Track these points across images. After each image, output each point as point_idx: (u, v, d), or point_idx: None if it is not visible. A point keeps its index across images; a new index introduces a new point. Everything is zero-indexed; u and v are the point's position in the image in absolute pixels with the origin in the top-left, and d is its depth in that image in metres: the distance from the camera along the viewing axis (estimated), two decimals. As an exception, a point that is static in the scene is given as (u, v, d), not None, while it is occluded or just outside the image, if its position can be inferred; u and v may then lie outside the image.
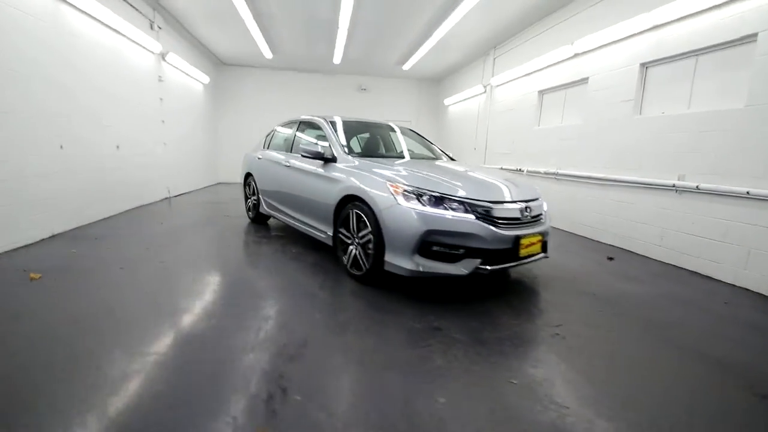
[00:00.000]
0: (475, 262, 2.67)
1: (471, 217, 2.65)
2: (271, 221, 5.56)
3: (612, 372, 1.99)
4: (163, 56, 6.81)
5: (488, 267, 2.69)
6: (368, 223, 2.92)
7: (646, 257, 4.31)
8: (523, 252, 2.80)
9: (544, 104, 6.53)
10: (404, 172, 2.99)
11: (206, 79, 9.17)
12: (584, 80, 5.44)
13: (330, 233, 3.47)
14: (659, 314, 2.78)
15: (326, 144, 3.85)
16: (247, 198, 5.54)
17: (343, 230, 3.25)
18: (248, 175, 5.44)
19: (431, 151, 4.48)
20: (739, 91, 3.47)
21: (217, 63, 10.34)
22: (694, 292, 3.26)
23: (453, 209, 2.67)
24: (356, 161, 3.39)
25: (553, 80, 6.15)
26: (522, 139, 7.00)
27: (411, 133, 4.68)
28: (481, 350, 2.12)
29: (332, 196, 3.36)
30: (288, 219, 4.33)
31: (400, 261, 2.70)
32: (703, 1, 3.69)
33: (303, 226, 3.98)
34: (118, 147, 5.45)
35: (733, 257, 3.45)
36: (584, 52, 5.38)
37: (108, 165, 5.22)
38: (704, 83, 3.84)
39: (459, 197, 2.70)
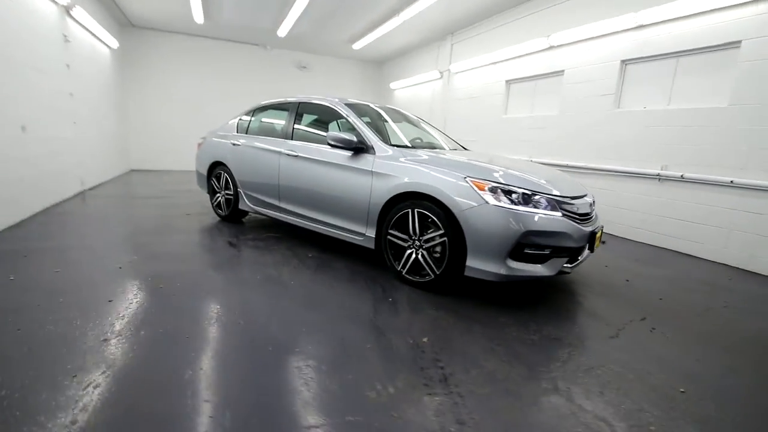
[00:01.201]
0: (561, 262, 2.56)
1: (558, 214, 2.52)
2: (248, 218, 4.75)
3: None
4: (68, 10, 5.19)
5: (569, 265, 2.61)
6: (440, 225, 2.59)
7: (628, 239, 4.77)
8: (595, 247, 2.78)
9: (512, 93, 6.73)
10: (475, 166, 2.71)
11: (114, 43, 7.37)
12: (560, 72, 5.69)
13: (370, 234, 3.03)
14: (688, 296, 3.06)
15: (341, 131, 3.34)
16: (215, 192, 4.61)
17: (395, 232, 2.85)
18: (216, 165, 4.53)
19: (438, 138, 4.19)
20: (722, 91, 3.94)
21: (125, 24, 8.40)
22: (698, 271, 3.69)
23: (543, 207, 2.50)
24: (402, 153, 2.98)
25: (523, 71, 6.34)
26: (488, 127, 7.15)
27: (413, 118, 4.29)
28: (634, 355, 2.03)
29: (379, 193, 2.91)
30: (291, 218, 3.69)
31: (487, 266, 2.45)
32: (689, 7, 4.07)
33: (320, 226, 3.43)
34: (23, 128, 4.02)
35: (714, 238, 3.99)
36: (560, 46, 5.61)
37: (11, 153, 3.82)
38: (685, 82, 4.28)
39: (549, 194, 2.54)
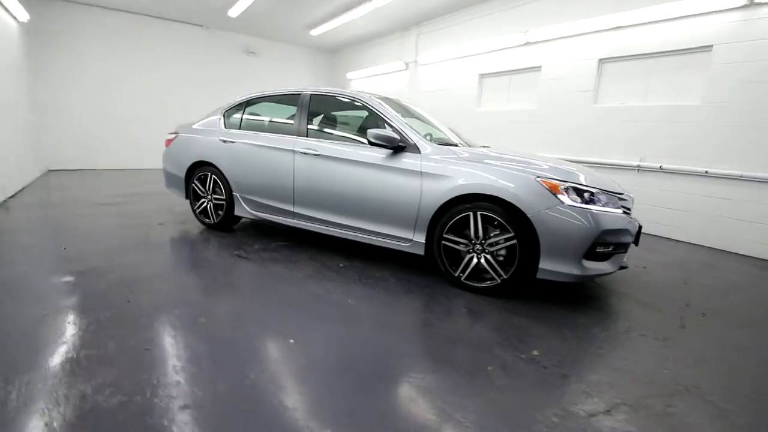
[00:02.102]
0: (622, 257, 2.63)
1: (620, 211, 2.57)
2: (239, 224, 4.18)
3: None
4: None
5: (625, 260, 2.71)
6: (508, 227, 2.49)
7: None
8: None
9: (485, 87, 6.86)
10: (535, 164, 2.64)
11: (24, 15, 5.95)
12: (537, 68, 5.91)
13: (419, 240, 2.82)
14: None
15: (368, 126, 3.06)
16: (199, 197, 3.98)
17: (451, 236, 2.69)
18: (199, 166, 3.90)
19: (449, 133, 4.02)
20: (695, 90, 4.39)
21: (30, -9, 6.83)
22: (692, 254, 4.10)
23: (610, 205, 2.52)
24: (445, 151, 2.81)
25: (497, 65, 6.47)
26: (460, 120, 7.21)
27: (419, 112, 3.92)
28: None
29: (431, 195, 2.70)
30: (310, 224, 3.32)
31: (563, 267, 2.41)
32: (666, 12, 4.44)
33: (351, 233, 3.12)
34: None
35: (694, 223, 4.48)
36: (538, 42, 5.82)
37: None
38: (661, 81, 4.69)
39: (612, 192, 2.57)
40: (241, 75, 9.51)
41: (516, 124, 6.26)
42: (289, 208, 3.39)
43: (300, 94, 3.50)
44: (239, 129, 3.77)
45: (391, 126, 3.00)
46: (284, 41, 9.88)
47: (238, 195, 3.68)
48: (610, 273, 2.56)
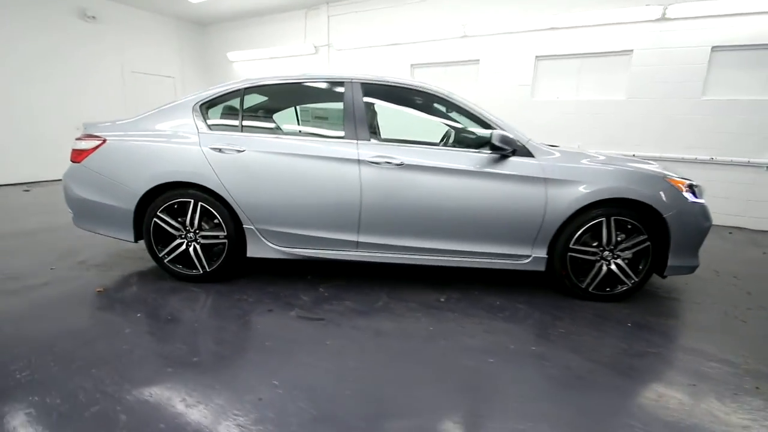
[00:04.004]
0: None
1: None
2: (244, 274, 2.87)
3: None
4: None
5: None
6: (643, 229, 2.42)
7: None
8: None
9: (418, 78, 6.68)
10: (644, 162, 2.62)
11: None
12: (475, 61, 6.06)
13: (539, 255, 2.50)
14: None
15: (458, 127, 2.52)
16: (168, 238, 2.55)
17: (578, 246, 2.45)
18: (167, 189, 2.50)
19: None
20: (621, 87, 5.23)
21: None
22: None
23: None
24: (558, 152, 2.53)
25: (432, 55, 6.36)
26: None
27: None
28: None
29: (559, 204, 2.39)
30: (383, 254, 2.53)
31: (686, 261, 2.50)
32: (593, 18, 5.11)
33: (448, 258, 2.52)
34: None
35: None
36: (476, 36, 5.94)
37: None
38: (591, 78, 5.42)
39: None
40: (73, 48, 6.69)
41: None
42: (351, 237, 2.50)
43: (344, 82, 2.58)
44: (239, 131, 2.55)
45: (493, 125, 2.52)
46: (138, 6, 7.39)
47: (254, 228, 2.51)
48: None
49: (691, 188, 2.51)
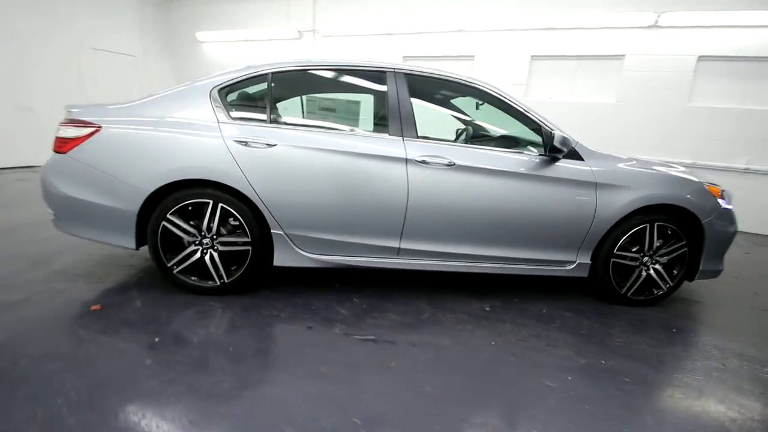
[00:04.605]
0: None
1: None
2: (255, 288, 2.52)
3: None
4: None
5: None
6: (682, 235, 2.43)
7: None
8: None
9: (408, 71, 6.48)
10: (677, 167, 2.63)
11: None
12: (470, 57, 5.96)
13: (584, 261, 2.44)
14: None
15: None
16: (179, 246, 2.19)
17: (621, 252, 2.42)
18: (180, 188, 2.13)
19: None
20: (611, 90, 5.37)
21: None
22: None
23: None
24: (605, 155, 2.48)
25: (426, 48, 6.18)
26: (380, 104, 6.65)
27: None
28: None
29: (609, 208, 2.34)
30: (426, 261, 2.35)
31: (714, 265, 2.56)
32: (589, 21, 5.19)
33: (491, 264, 2.39)
34: None
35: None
36: (472, 31, 5.83)
37: None
38: (583, 80, 5.52)
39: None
40: (15, 19, 5.73)
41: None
42: (393, 243, 2.29)
43: (385, 72, 2.33)
44: (267, 122, 2.23)
45: (547, 126, 2.42)
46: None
47: (284, 233, 2.21)
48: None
49: (723, 195, 2.57)
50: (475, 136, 3.07)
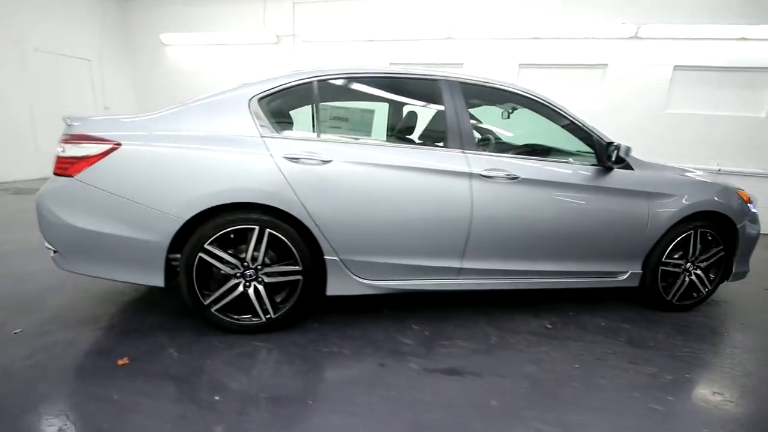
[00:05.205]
0: None
1: None
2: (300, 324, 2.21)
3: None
4: None
5: None
6: (720, 240, 2.50)
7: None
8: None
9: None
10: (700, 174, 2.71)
11: None
12: (458, 64, 5.95)
13: (636, 270, 2.44)
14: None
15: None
16: (220, 279, 1.88)
17: (668, 260, 2.45)
18: (218, 213, 1.82)
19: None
20: (597, 96, 5.59)
21: None
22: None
23: None
24: (651, 165, 2.50)
25: (414, 56, 6.08)
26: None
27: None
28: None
29: (659, 217, 2.36)
30: (486, 281, 2.21)
31: (744, 267, 2.67)
32: (573, 31, 5.38)
33: (547, 279, 2.32)
34: None
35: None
36: (461, 38, 5.84)
37: None
38: (571, 87, 5.70)
39: None
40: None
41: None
42: (454, 263, 2.13)
43: (439, 80, 2.17)
44: (315, 135, 1.98)
45: (595, 135, 2.38)
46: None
47: (339, 259, 1.97)
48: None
49: (750, 199, 2.69)
50: (501, 145, 2.97)
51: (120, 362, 1.70)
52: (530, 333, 2.20)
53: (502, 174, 2.09)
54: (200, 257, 1.84)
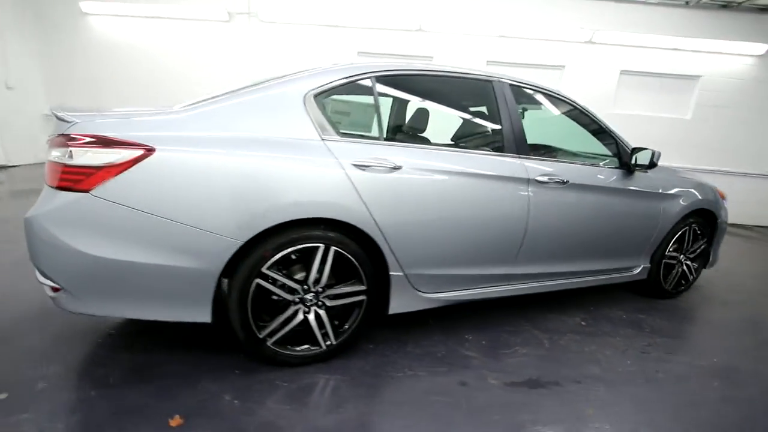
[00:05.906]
0: None
1: None
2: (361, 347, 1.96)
3: None
4: None
5: None
6: (704, 235, 2.84)
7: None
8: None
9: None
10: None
11: None
12: (428, 57, 5.90)
13: (645, 264, 2.67)
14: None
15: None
16: (281, 305, 1.62)
17: (669, 253, 2.71)
18: (275, 233, 1.55)
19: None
20: (555, 97, 5.95)
21: None
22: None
23: None
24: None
25: (383, 46, 5.91)
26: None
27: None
28: None
29: (667, 216, 2.59)
30: (531, 284, 2.23)
31: (716, 256, 3.06)
32: (534, 33, 5.65)
33: (574, 279, 2.41)
34: None
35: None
36: (432, 31, 5.78)
37: None
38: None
39: None
40: None
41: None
42: (506, 270, 2.10)
43: (492, 81, 2.07)
44: (380, 138, 1.77)
45: (618, 140, 2.49)
46: None
47: (405, 274, 1.81)
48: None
49: (724, 196, 3.08)
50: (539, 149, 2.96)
51: (172, 423, 1.37)
52: (572, 332, 2.28)
53: (555, 179, 2.10)
54: (257, 283, 1.56)
